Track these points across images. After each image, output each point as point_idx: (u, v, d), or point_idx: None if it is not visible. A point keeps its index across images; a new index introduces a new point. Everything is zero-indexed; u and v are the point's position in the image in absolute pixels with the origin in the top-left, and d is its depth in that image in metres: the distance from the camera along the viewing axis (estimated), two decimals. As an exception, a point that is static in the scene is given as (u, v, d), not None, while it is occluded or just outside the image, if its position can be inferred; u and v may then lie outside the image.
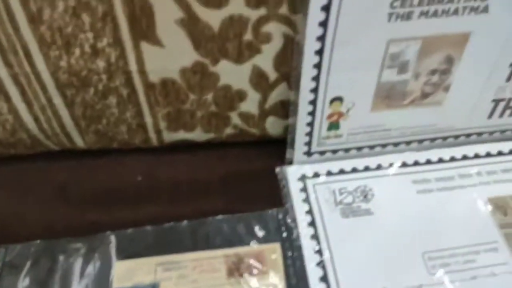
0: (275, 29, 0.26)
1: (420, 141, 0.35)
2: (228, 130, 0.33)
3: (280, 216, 0.31)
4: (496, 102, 0.33)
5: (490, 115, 0.34)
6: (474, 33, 0.28)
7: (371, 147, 0.34)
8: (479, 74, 0.30)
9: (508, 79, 0.31)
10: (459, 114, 0.33)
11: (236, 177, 0.34)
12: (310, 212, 0.31)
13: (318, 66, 0.28)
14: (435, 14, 0.26)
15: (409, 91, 0.31)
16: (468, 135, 0.35)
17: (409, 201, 0.31)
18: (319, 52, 0.27)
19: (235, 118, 0.32)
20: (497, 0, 0.26)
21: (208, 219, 0.31)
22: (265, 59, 0.28)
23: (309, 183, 0.33)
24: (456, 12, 0.26)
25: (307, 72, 0.28)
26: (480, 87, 0.31)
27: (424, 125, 0.33)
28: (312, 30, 0.25)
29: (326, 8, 0.24)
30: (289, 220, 0.30)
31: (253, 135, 0.34)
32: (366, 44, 0.27)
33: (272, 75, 0.29)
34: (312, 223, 0.30)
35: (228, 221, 0.30)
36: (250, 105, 0.31)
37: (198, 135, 0.33)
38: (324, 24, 0.25)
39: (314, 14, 0.24)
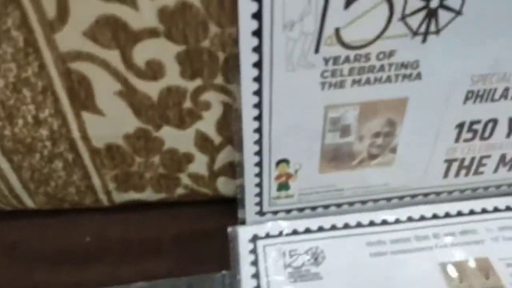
0: (213, 97, 0.27)
1: (375, 201, 0.34)
2: (179, 190, 0.33)
3: (227, 280, 0.30)
4: (449, 162, 0.32)
5: (445, 175, 0.33)
6: (411, 98, 0.28)
7: (326, 207, 0.34)
8: (425, 136, 0.30)
9: (456, 140, 0.31)
10: (412, 174, 0.33)
11: (188, 237, 0.34)
12: (256, 276, 0.30)
13: (258, 130, 0.28)
14: (367, 82, 0.27)
15: (356, 152, 0.31)
16: (426, 195, 0.34)
17: (362, 265, 0.30)
18: (258, 118, 0.27)
19: (185, 179, 0.32)
20: (428, 68, 0.27)
21: (155, 283, 0.30)
22: (207, 125, 0.28)
23: (260, 244, 0.32)
24: (389, 79, 0.27)
25: (248, 136, 0.28)
26: (429, 149, 0.31)
27: (377, 184, 0.33)
28: (247, 98, 0.26)
29: (258, 79, 0.26)
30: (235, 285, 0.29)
31: (205, 195, 0.34)
32: (304, 110, 0.27)
33: (217, 138, 0.29)
34: (258, 289, 0.29)
35: (176, 285, 0.30)
36: (199, 166, 0.31)
37: (148, 195, 0.33)
38: (258, 93, 0.26)
39: (247, 85, 0.25)
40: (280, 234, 0.33)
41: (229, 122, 0.28)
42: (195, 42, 0.24)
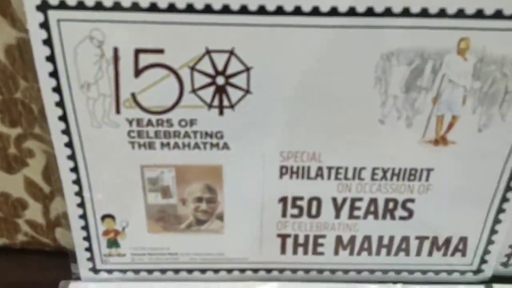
0: (35, 146, 0.29)
1: (216, 271, 0.33)
2: (21, 237, 0.34)
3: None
4: (283, 237, 0.32)
5: (282, 250, 0.33)
6: (225, 166, 0.29)
7: (162, 271, 0.33)
8: (250, 207, 0.31)
9: (283, 215, 0.31)
10: (247, 247, 0.32)
11: (21, 285, 0.34)
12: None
13: (77, 182, 0.29)
14: (177, 146, 0.28)
15: (182, 216, 0.31)
16: (269, 271, 0.33)
17: None
18: (75, 170, 0.29)
19: (24, 226, 0.33)
20: (234, 139, 0.28)
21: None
22: (34, 172, 0.30)
23: (81, 302, 0.32)
24: (197, 146, 0.28)
25: (68, 187, 0.29)
26: (257, 220, 0.31)
27: (212, 253, 0.33)
28: (60, 149, 0.28)
29: (67, 132, 0.27)
30: None
31: (47, 245, 0.34)
32: (121, 168, 0.29)
33: (45, 187, 0.31)
34: None
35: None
36: (34, 213, 0.32)
37: (-10, 238, 0.34)
38: (69, 145, 0.28)
39: (57, 136, 0.27)
40: (108, 294, 0.32)
41: (54, 172, 0.30)
42: (8, 93, 0.27)
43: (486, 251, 0.33)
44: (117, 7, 0.24)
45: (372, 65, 0.25)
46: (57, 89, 0.26)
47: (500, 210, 0.31)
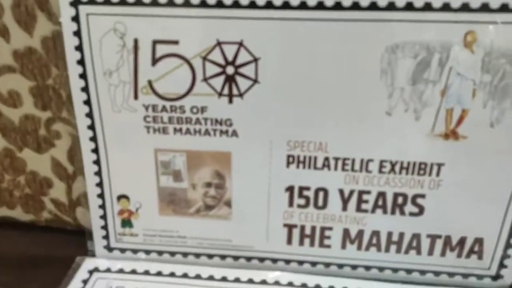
0: (62, 128, 0.33)
1: (223, 257, 0.35)
2: (45, 214, 0.38)
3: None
4: (289, 227, 0.33)
5: (289, 241, 0.34)
6: (233, 153, 0.31)
7: (172, 254, 0.35)
8: (257, 194, 0.32)
9: (290, 204, 0.32)
10: (254, 235, 0.34)
11: (41, 259, 0.37)
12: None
13: (97, 163, 0.32)
14: (188, 132, 0.31)
15: (191, 200, 0.33)
16: (275, 261, 0.34)
17: None
18: (95, 151, 0.32)
19: (48, 204, 0.37)
20: (243, 127, 0.30)
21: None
22: (60, 153, 0.34)
23: (95, 276, 0.34)
24: (207, 133, 0.30)
25: (88, 167, 0.32)
26: (264, 208, 0.33)
27: (219, 239, 0.34)
28: (83, 131, 0.31)
29: (90, 115, 0.30)
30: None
31: (69, 223, 0.37)
32: (136, 151, 0.32)
33: (69, 167, 0.34)
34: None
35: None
36: (58, 193, 0.36)
37: (19, 214, 0.38)
38: (92, 127, 0.31)
39: (81, 119, 0.30)
40: (120, 271, 0.35)
41: (77, 153, 0.32)
42: (42, 80, 0.30)
43: (505, 255, 0.32)
44: (138, 2, 0.27)
45: (377, 57, 0.26)
46: (83, 76, 0.29)
47: (519, 211, 0.31)
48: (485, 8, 0.24)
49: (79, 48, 0.28)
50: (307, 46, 0.27)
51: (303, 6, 0.26)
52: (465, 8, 0.25)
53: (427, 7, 0.25)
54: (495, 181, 0.29)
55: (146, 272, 0.34)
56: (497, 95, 0.27)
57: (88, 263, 0.35)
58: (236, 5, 0.26)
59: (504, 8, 0.24)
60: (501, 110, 0.27)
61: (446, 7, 0.25)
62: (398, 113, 0.28)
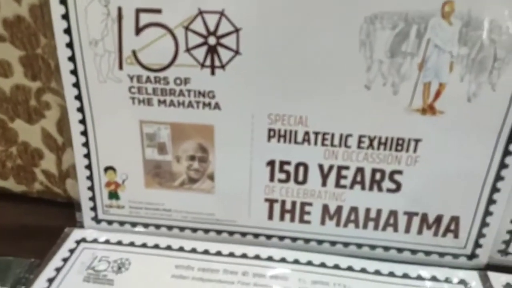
0: (51, 99, 0.33)
1: (206, 231, 0.35)
2: (37, 186, 0.39)
3: (34, 267, 0.32)
4: (270, 202, 0.33)
5: (270, 216, 0.34)
6: (216, 126, 0.31)
7: (157, 227, 0.36)
8: (239, 168, 0.33)
9: (271, 179, 0.33)
10: (236, 209, 0.34)
11: (32, 229, 0.37)
12: (58, 269, 0.32)
13: (85, 134, 0.33)
14: (172, 104, 0.31)
15: (176, 173, 0.34)
16: (256, 236, 0.35)
17: (162, 283, 0.31)
18: (83, 122, 0.32)
19: (39, 175, 0.38)
20: (225, 99, 0.30)
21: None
22: (50, 124, 0.34)
23: (81, 246, 0.35)
24: (191, 105, 0.31)
25: (76, 138, 0.33)
26: (246, 183, 0.33)
27: (203, 213, 0.35)
28: (71, 102, 0.32)
29: (77, 85, 0.31)
30: (31, 275, 0.31)
31: (59, 195, 0.38)
32: (122, 122, 0.32)
33: (59, 138, 0.35)
34: (50, 281, 0.31)
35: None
36: (49, 164, 0.37)
37: (12, 185, 0.39)
38: (79, 97, 0.32)
39: (68, 89, 0.31)
40: (107, 242, 0.35)
41: (66, 124, 0.33)
42: (31, 49, 0.31)
43: (480, 234, 0.32)
44: (123, -30, 0.28)
45: (356, 28, 0.27)
46: (70, 45, 0.30)
47: (495, 189, 0.30)
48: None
49: (66, 16, 0.29)
50: (287, 18, 0.27)
51: (283, -23, 0.26)
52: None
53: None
54: (471, 158, 0.29)
55: (131, 244, 0.35)
56: (474, 68, 0.26)
57: (76, 234, 0.36)
58: (217, -25, 0.27)
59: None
60: (478, 84, 0.27)
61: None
62: (377, 87, 0.28)
